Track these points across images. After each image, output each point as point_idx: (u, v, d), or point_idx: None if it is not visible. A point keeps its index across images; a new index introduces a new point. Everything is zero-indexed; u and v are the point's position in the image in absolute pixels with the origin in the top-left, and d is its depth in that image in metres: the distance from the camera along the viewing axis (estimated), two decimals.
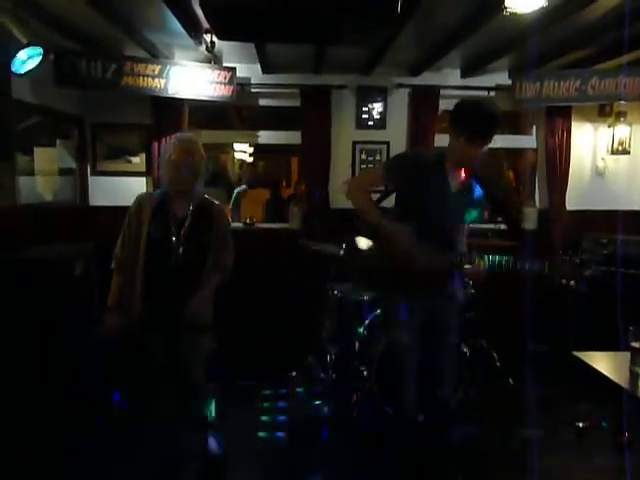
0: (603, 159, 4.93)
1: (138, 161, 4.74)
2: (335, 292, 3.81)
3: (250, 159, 9.38)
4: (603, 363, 2.27)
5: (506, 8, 2.79)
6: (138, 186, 4.74)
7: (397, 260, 2.42)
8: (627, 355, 2.18)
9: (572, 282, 2.29)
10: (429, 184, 2.42)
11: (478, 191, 2.49)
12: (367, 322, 3.60)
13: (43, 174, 4.24)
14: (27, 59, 3.24)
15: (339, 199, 4.84)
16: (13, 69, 3.20)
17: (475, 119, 2.29)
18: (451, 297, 2.55)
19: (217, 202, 2.62)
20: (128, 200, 4.58)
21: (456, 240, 2.48)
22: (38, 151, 4.12)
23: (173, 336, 2.47)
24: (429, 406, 2.61)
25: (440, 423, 2.59)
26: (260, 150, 9.10)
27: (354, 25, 2.21)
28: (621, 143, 4.82)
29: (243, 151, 8.69)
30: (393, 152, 4.85)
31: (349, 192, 2.65)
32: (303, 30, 2.31)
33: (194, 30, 3.65)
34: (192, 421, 2.68)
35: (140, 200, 2.51)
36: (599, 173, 4.96)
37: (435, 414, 2.60)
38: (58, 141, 4.47)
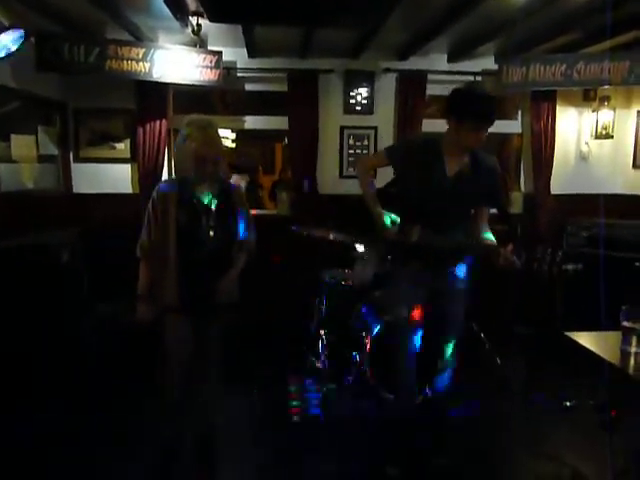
0: (587, 143, 5.02)
1: (122, 147, 4.68)
2: (327, 278, 3.83)
3: (232, 145, 9.30)
4: (594, 343, 2.33)
5: None
6: (123, 173, 4.70)
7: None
8: (617, 335, 2.24)
9: (556, 271, 2.31)
10: (426, 168, 2.48)
11: (485, 177, 2.49)
12: (359, 306, 3.62)
13: (22, 161, 4.16)
14: (8, 42, 3.16)
15: (327, 184, 4.86)
16: None
17: (475, 103, 2.34)
18: (455, 281, 2.59)
19: (235, 184, 2.65)
20: (113, 187, 4.68)
21: (459, 224, 2.51)
22: (15, 138, 4.02)
23: (204, 319, 2.51)
24: (425, 388, 2.66)
25: (435, 404, 2.65)
26: (243, 136, 9.03)
27: (351, 6, 2.20)
28: (605, 127, 4.91)
29: (225, 137, 8.60)
30: (381, 137, 4.89)
31: (357, 170, 2.91)
32: (298, 11, 2.29)
33: (180, 12, 3.60)
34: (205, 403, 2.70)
35: (162, 189, 2.48)
36: (583, 157, 5.05)
37: (431, 396, 2.65)
38: (39, 127, 4.38)
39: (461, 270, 2.63)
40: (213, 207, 2.45)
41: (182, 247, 2.43)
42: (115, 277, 3.75)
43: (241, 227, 2.56)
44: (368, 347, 3.30)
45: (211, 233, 2.43)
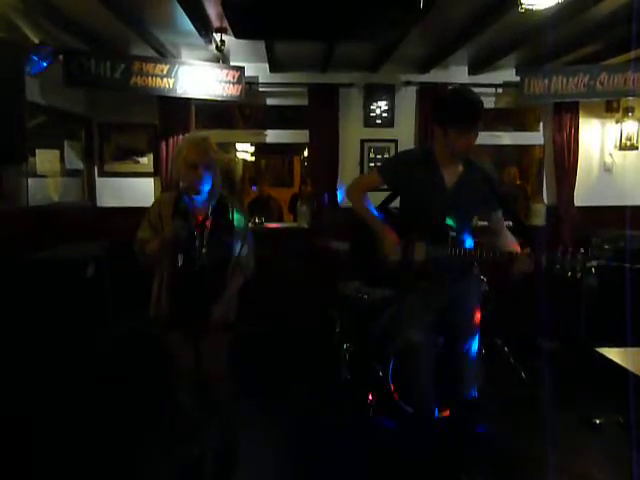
0: (611, 155, 4.96)
1: (146, 162, 4.75)
2: (347, 290, 3.81)
3: (252, 158, 9.39)
4: (625, 359, 2.27)
5: (522, 4, 2.79)
6: (146, 187, 4.76)
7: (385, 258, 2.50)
8: None
9: (579, 274, 2.24)
10: (422, 181, 2.43)
11: (482, 183, 2.43)
12: (382, 320, 3.59)
13: (48, 175, 4.24)
14: (39, 59, 3.24)
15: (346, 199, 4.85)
16: (27, 69, 3.19)
17: (457, 106, 2.29)
18: (467, 291, 2.54)
19: (236, 201, 2.62)
20: (136, 201, 4.73)
21: (464, 235, 2.47)
22: (41, 153, 4.11)
23: (197, 336, 2.49)
24: (451, 403, 2.61)
25: (461, 420, 2.59)
26: (262, 150, 9.12)
27: (372, 21, 2.21)
28: (629, 138, 4.84)
29: (245, 151, 8.69)
30: (401, 149, 4.83)
31: (347, 193, 2.73)
32: (320, 27, 2.31)
33: (204, 29, 3.65)
34: (214, 420, 2.71)
35: (159, 202, 2.51)
36: (607, 169, 4.98)
37: (457, 411, 2.60)
38: (66, 142, 4.47)
39: (472, 283, 2.59)
40: (208, 224, 2.43)
41: (174, 260, 2.40)
42: (139, 291, 3.81)
43: (237, 244, 2.50)
44: (390, 361, 3.26)
45: (204, 249, 2.40)
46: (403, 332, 2.60)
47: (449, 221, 2.43)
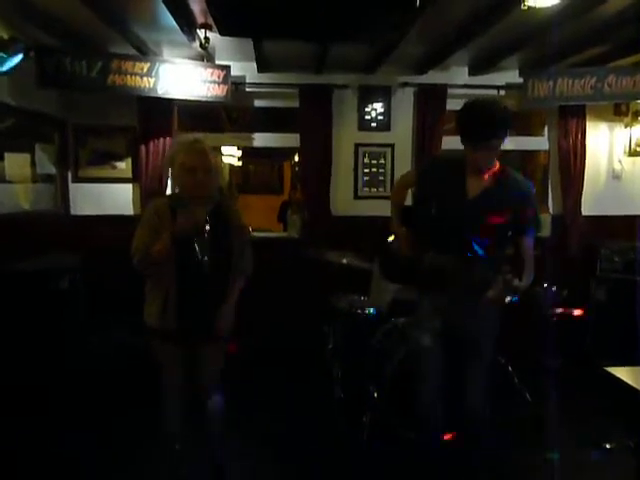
0: (620, 161, 5.01)
1: (124, 166, 4.74)
2: (341, 304, 3.81)
3: (239, 163, 9.40)
4: (637, 379, 2.27)
5: (525, 2, 2.82)
6: (124, 193, 4.74)
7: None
8: None
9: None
10: (445, 188, 2.48)
11: (512, 202, 2.42)
12: (376, 336, 3.59)
13: (17, 181, 4.21)
14: (8, 56, 3.23)
15: (341, 205, 4.88)
16: None
17: (468, 120, 2.32)
18: (483, 311, 2.54)
19: (233, 205, 2.69)
20: (113, 209, 4.71)
21: (480, 253, 2.47)
22: (10, 157, 4.08)
23: (195, 349, 2.53)
24: (457, 421, 2.61)
25: (469, 440, 2.59)
26: (249, 154, 9.13)
27: (367, 22, 2.22)
28: (639, 144, 4.89)
29: (231, 155, 8.70)
30: (398, 155, 4.91)
31: (393, 191, 2.96)
32: (312, 27, 2.32)
33: (187, 25, 3.66)
34: (204, 436, 2.72)
35: (155, 207, 2.51)
36: (616, 176, 5.03)
37: (464, 430, 2.60)
38: (37, 145, 4.44)
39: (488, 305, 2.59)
40: (207, 229, 2.44)
41: (172, 269, 2.42)
42: (117, 303, 3.78)
43: (237, 248, 2.57)
44: (387, 380, 3.26)
45: (204, 257, 2.42)
46: (413, 337, 2.67)
47: (462, 233, 2.44)
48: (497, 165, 2.45)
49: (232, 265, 2.54)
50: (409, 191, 2.82)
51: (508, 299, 2.24)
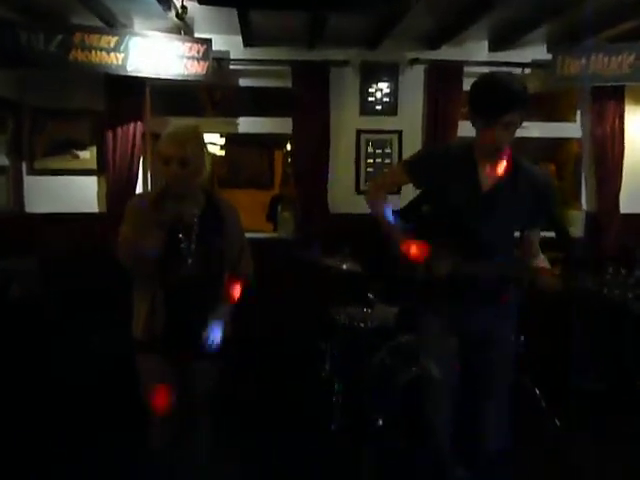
0: None
1: (88, 156, 4.76)
2: (340, 317, 3.83)
3: (222, 152, 9.40)
4: None
5: None
6: (88, 187, 4.77)
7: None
8: None
9: (629, 299, 2.30)
10: (456, 182, 2.50)
11: (529, 191, 2.48)
12: (381, 354, 3.62)
13: None
14: None
15: (340, 201, 4.91)
16: None
17: (481, 93, 2.37)
18: (501, 320, 2.59)
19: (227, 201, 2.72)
20: (75, 205, 4.73)
21: (501, 251, 2.51)
22: None
23: (185, 362, 2.56)
24: (472, 460, 2.63)
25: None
26: (234, 142, 9.13)
27: None
28: None
29: (213, 143, 8.71)
30: (406, 143, 4.95)
31: (367, 193, 2.91)
32: None
33: None
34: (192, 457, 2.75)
35: (134, 205, 2.54)
36: None
37: (480, 471, 2.62)
38: None
39: (507, 308, 2.63)
40: (195, 228, 2.50)
41: (158, 273, 2.46)
42: (78, 311, 3.81)
43: (233, 248, 2.62)
44: (393, 407, 3.28)
45: (190, 260, 2.47)
46: (418, 362, 2.68)
47: (482, 232, 2.48)
48: (509, 152, 2.49)
49: (226, 268, 2.61)
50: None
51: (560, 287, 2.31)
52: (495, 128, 2.33)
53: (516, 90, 2.32)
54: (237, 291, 2.71)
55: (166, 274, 2.46)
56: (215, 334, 2.56)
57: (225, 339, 2.62)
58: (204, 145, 2.57)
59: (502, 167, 2.49)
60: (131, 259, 2.42)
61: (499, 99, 2.30)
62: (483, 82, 2.41)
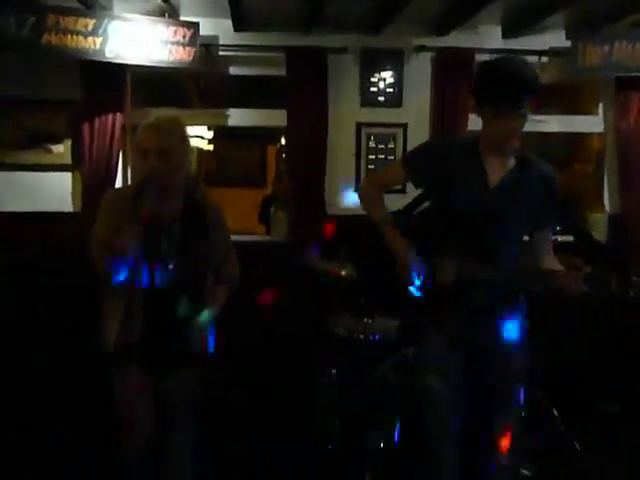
0: None
1: (62, 150, 4.74)
2: (338, 328, 3.82)
3: (209, 147, 9.40)
4: None
5: None
6: (61, 185, 4.75)
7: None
8: None
9: None
10: (461, 177, 2.49)
11: (538, 187, 2.49)
12: (383, 369, 3.60)
13: None
14: None
15: (339, 201, 4.90)
16: None
17: (491, 80, 2.36)
18: (511, 327, 2.55)
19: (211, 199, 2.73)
20: (47, 204, 4.70)
21: (510, 254, 2.51)
22: None
23: (164, 375, 2.56)
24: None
25: None
26: (223, 136, 9.13)
27: None
28: None
29: (200, 136, 8.70)
30: (412, 137, 4.93)
31: (360, 191, 2.96)
32: None
33: None
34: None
35: (114, 198, 2.55)
36: None
37: None
38: None
39: (519, 316, 2.61)
40: (176, 228, 2.51)
41: (132, 279, 2.45)
42: (50, 319, 3.80)
43: (217, 251, 2.64)
44: (396, 428, 3.27)
45: (171, 264, 2.48)
46: (420, 379, 2.66)
47: (489, 232, 2.47)
48: (516, 144, 2.50)
49: (208, 274, 2.61)
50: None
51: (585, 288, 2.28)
52: (509, 119, 2.33)
53: (531, 78, 2.32)
54: (222, 296, 2.71)
55: (145, 278, 2.45)
56: (200, 337, 2.56)
57: (210, 346, 2.65)
58: (187, 138, 2.57)
59: (510, 161, 2.49)
60: (105, 259, 2.40)
61: (515, 87, 2.29)
62: (494, 67, 2.40)
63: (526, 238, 2.65)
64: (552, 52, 4.79)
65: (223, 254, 2.69)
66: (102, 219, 2.50)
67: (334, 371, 3.85)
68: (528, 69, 2.35)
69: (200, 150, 9.14)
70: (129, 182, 4.83)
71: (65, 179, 4.76)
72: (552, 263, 2.54)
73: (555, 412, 3.95)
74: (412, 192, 2.82)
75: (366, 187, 2.93)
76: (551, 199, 2.52)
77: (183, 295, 2.52)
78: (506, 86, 2.30)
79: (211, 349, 2.68)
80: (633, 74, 4.63)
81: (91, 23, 4.08)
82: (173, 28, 4.24)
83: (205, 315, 2.59)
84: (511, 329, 2.57)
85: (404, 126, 4.95)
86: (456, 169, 2.50)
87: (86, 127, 4.52)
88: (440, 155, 2.57)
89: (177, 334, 2.51)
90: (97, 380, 2.83)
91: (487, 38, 4.85)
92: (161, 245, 2.47)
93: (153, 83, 4.97)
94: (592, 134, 5.46)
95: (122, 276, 2.44)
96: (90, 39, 4.09)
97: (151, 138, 2.42)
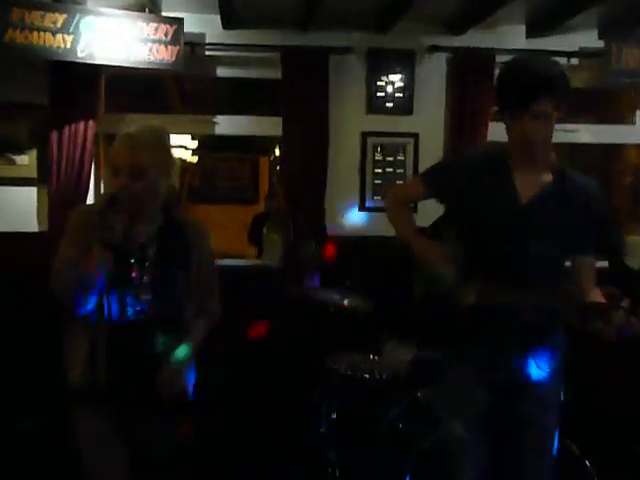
0: None
1: (26, 161, 4.73)
2: (339, 366, 3.79)
3: (193, 159, 9.43)
4: None
5: None
6: (26, 200, 4.73)
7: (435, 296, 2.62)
8: None
9: None
10: (488, 193, 2.51)
11: (579, 204, 2.48)
12: (392, 414, 3.57)
13: None
14: None
15: (341, 221, 4.88)
16: None
17: (504, 80, 2.43)
18: (542, 363, 2.54)
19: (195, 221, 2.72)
20: (8, 222, 4.68)
21: (544, 279, 2.49)
22: None
23: (133, 421, 2.48)
24: None
25: None
26: (210, 146, 9.16)
27: None
28: None
29: (183, 146, 8.73)
30: (424, 148, 4.94)
31: (386, 204, 3.12)
32: None
33: None
34: None
35: (79, 217, 2.51)
36: None
37: None
38: None
39: (552, 350, 2.59)
40: (151, 252, 2.47)
41: (99, 310, 2.41)
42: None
43: (196, 283, 2.57)
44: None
45: (145, 294, 2.44)
46: (442, 424, 2.68)
47: (519, 253, 2.46)
48: (553, 158, 2.51)
49: (187, 305, 2.55)
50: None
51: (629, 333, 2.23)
52: (522, 120, 2.34)
53: (544, 72, 2.34)
54: (202, 331, 2.65)
55: (114, 310, 2.41)
56: (176, 380, 2.50)
57: (189, 389, 2.60)
58: (170, 152, 2.54)
59: (544, 175, 2.49)
60: (70, 286, 2.35)
61: (524, 83, 2.33)
62: (508, 67, 2.48)
63: (568, 264, 2.64)
64: (582, 53, 4.80)
65: (205, 283, 2.63)
66: (68, 239, 2.45)
67: (334, 416, 3.82)
68: (545, 64, 2.41)
69: (183, 162, 9.17)
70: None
71: (29, 194, 4.75)
72: (592, 294, 2.50)
73: (587, 463, 3.93)
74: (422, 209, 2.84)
75: (388, 202, 3.03)
76: (595, 220, 2.52)
77: (157, 329, 2.47)
78: (517, 84, 2.35)
79: (190, 394, 2.62)
80: None
81: (61, 19, 4.08)
82: (154, 24, 4.24)
83: (183, 351, 2.53)
84: (543, 365, 2.56)
85: (415, 136, 4.95)
86: (482, 184, 2.52)
87: (54, 136, 4.50)
88: (464, 170, 2.60)
89: (150, 375, 2.44)
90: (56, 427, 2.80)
91: (509, 37, 4.88)
92: (132, 272, 2.43)
93: (130, 86, 4.98)
94: (629, 145, 5.45)
95: (89, 307, 2.40)
96: (59, 37, 4.09)
97: (123, 153, 2.38)
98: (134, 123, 2.57)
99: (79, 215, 2.54)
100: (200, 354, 2.65)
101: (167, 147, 2.53)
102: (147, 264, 2.46)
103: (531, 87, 2.31)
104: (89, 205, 2.65)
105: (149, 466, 2.57)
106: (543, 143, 2.40)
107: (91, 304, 2.39)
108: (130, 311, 2.43)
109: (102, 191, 4.79)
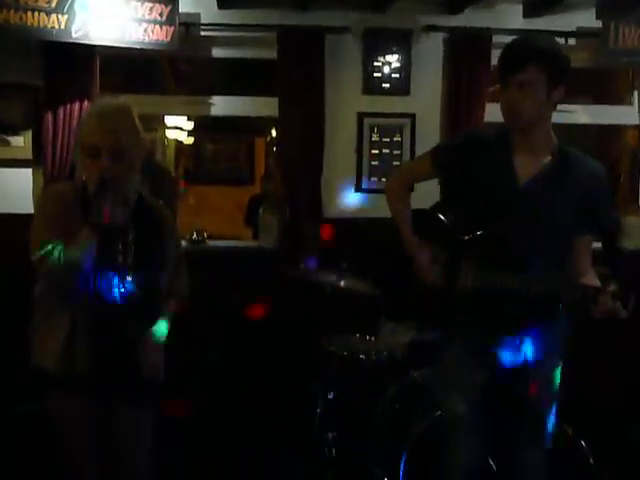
0: None
1: (21, 143, 4.71)
2: (336, 347, 3.82)
3: (189, 140, 9.42)
4: None
5: None
6: (21, 182, 4.73)
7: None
8: None
9: None
10: (485, 172, 2.54)
11: (581, 185, 2.49)
12: (389, 395, 3.59)
13: None
14: None
15: (337, 203, 4.91)
16: None
17: (501, 53, 2.49)
18: (546, 349, 2.58)
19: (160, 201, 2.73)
20: (4, 205, 4.67)
21: (541, 258, 2.51)
22: None
23: (111, 403, 2.52)
24: None
25: None
26: (205, 127, 9.15)
27: None
28: None
29: (179, 127, 8.72)
30: (421, 129, 4.94)
31: (387, 185, 3.18)
32: None
33: None
34: None
35: (54, 196, 2.54)
36: None
37: None
38: None
39: (553, 333, 2.62)
40: (130, 236, 2.49)
41: (74, 292, 2.42)
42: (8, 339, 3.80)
43: (169, 262, 2.62)
44: (403, 463, 3.27)
45: (127, 276, 2.47)
46: (440, 401, 2.73)
47: (516, 234, 2.48)
48: (554, 140, 2.53)
49: (163, 286, 2.60)
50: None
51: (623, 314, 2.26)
52: (509, 89, 2.39)
53: (534, 43, 2.42)
54: (174, 309, 2.71)
55: (91, 292, 2.43)
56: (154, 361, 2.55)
57: (161, 371, 2.63)
58: (139, 127, 2.51)
59: (545, 157, 2.51)
60: (56, 270, 2.36)
61: (512, 52, 2.43)
62: (512, 42, 2.51)
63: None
64: (580, 33, 4.80)
65: (175, 267, 2.68)
66: (44, 220, 2.47)
67: (331, 396, 3.85)
68: (546, 40, 2.49)
69: (178, 143, 9.16)
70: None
71: (24, 175, 4.74)
72: (589, 277, 2.50)
73: (583, 444, 3.96)
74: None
75: (393, 182, 3.09)
76: (599, 201, 2.52)
77: (140, 311, 2.51)
78: (511, 50, 2.44)
79: (162, 376, 2.64)
80: None
81: None
82: (149, 4, 4.23)
83: (161, 327, 2.58)
84: (544, 346, 2.59)
85: (412, 116, 4.94)
86: (481, 163, 2.54)
87: (49, 117, 4.49)
88: (467, 147, 2.65)
89: (131, 355, 2.49)
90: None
91: (506, 17, 4.86)
92: (117, 254, 2.45)
93: (125, 67, 4.97)
94: (626, 126, 5.46)
95: (73, 288, 2.41)
96: (54, 17, 4.08)
97: (102, 133, 2.36)
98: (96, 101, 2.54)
99: (55, 195, 2.56)
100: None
101: (137, 123, 2.51)
102: (130, 246, 2.48)
103: (517, 54, 2.39)
104: (63, 184, 2.63)
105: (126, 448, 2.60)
106: (531, 117, 2.41)
107: (75, 285, 2.40)
108: (115, 293, 2.45)
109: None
